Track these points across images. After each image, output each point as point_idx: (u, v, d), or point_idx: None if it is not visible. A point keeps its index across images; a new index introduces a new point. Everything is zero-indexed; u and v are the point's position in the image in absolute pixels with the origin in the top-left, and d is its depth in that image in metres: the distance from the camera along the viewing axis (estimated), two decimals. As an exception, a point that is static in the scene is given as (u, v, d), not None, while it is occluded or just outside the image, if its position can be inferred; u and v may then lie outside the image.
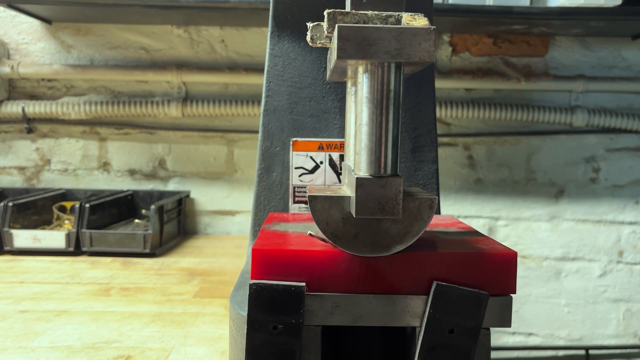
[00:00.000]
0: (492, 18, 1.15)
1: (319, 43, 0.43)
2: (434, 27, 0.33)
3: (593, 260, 1.42)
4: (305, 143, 0.61)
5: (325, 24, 0.39)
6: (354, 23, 0.37)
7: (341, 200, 0.37)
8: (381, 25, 0.34)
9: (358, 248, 0.37)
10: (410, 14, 0.37)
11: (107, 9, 1.18)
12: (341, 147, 0.61)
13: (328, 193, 0.38)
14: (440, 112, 1.32)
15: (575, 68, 1.37)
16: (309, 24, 0.43)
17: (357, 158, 0.36)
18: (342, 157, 0.61)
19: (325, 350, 0.38)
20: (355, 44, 0.33)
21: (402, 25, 0.36)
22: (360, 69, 0.35)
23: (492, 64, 1.37)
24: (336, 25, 0.33)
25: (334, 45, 0.34)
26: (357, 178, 0.35)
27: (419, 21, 0.36)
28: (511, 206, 1.41)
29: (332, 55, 0.37)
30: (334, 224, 0.37)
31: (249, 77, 1.32)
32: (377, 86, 0.34)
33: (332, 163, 0.61)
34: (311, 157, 0.61)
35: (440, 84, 1.33)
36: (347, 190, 0.39)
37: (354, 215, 0.36)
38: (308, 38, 0.43)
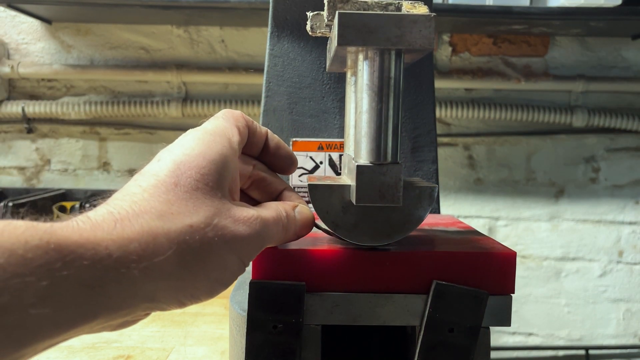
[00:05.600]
0: (492, 18, 1.15)
1: (319, 32, 0.43)
2: (434, 14, 0.33)
3: (593, 260, 1.42)
4: (305, 143, 0.61)
5: (325, 12, 0.39)
6: (354, 11, 0.37)
7: (341, 188, 0.37)
8: (381, 12, 0.34)
9: (358, 237, 0.37)
10: (410, 2, 0.37)
11: (107, 9, 1.18)
12: (341, 147, 0.61)
13: (328, 182, 0.38)
14: (440, 112, 1.32)
15: (575, 68, 1.37)
16: (309, 13, 0.43)
17: (357, 146, 0.36)
18: (342, 157, 0.61)
19: (325, 349, 0.38)
20: (356, 31, 0.33)
21: (402, 13, 0.35)
22: (360, 57, 0.35)
23: (492, 64, 1.37)
24: (337, 12, 0.33)
25: (334, 32, 0.34)
26: (357, 165, 0.35)
27: (419, 9, 0.36)
28: (511, 206, 1.41)
29: (332, 44, 0.37)
30: (334, 213, 0.37)
31: (248, 77, 1.32)
32: (377, 73, 0.34)
33: (332, 163, 0.61)
34: (311, 157, 0.61)
35: (440, 84, 1.33)
36: (347, 179, 0.39)
37: (355, 203, 0.35)
38: (308, 27, 0.43)
